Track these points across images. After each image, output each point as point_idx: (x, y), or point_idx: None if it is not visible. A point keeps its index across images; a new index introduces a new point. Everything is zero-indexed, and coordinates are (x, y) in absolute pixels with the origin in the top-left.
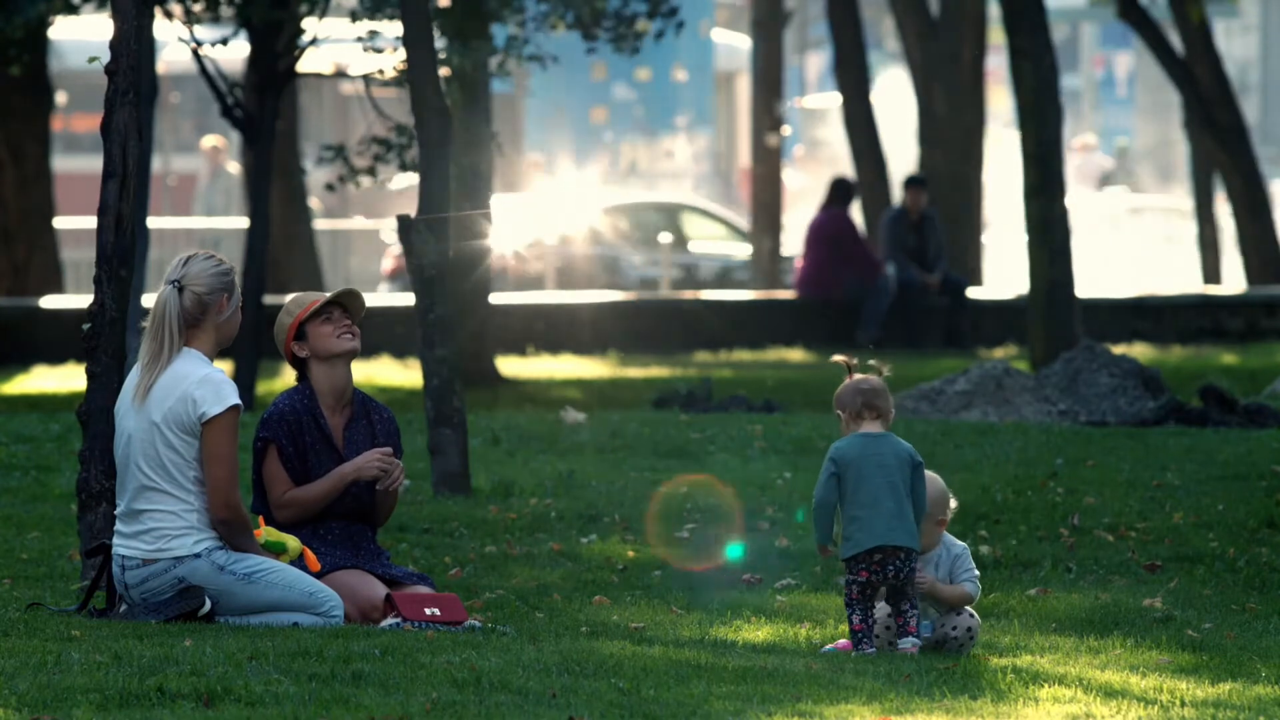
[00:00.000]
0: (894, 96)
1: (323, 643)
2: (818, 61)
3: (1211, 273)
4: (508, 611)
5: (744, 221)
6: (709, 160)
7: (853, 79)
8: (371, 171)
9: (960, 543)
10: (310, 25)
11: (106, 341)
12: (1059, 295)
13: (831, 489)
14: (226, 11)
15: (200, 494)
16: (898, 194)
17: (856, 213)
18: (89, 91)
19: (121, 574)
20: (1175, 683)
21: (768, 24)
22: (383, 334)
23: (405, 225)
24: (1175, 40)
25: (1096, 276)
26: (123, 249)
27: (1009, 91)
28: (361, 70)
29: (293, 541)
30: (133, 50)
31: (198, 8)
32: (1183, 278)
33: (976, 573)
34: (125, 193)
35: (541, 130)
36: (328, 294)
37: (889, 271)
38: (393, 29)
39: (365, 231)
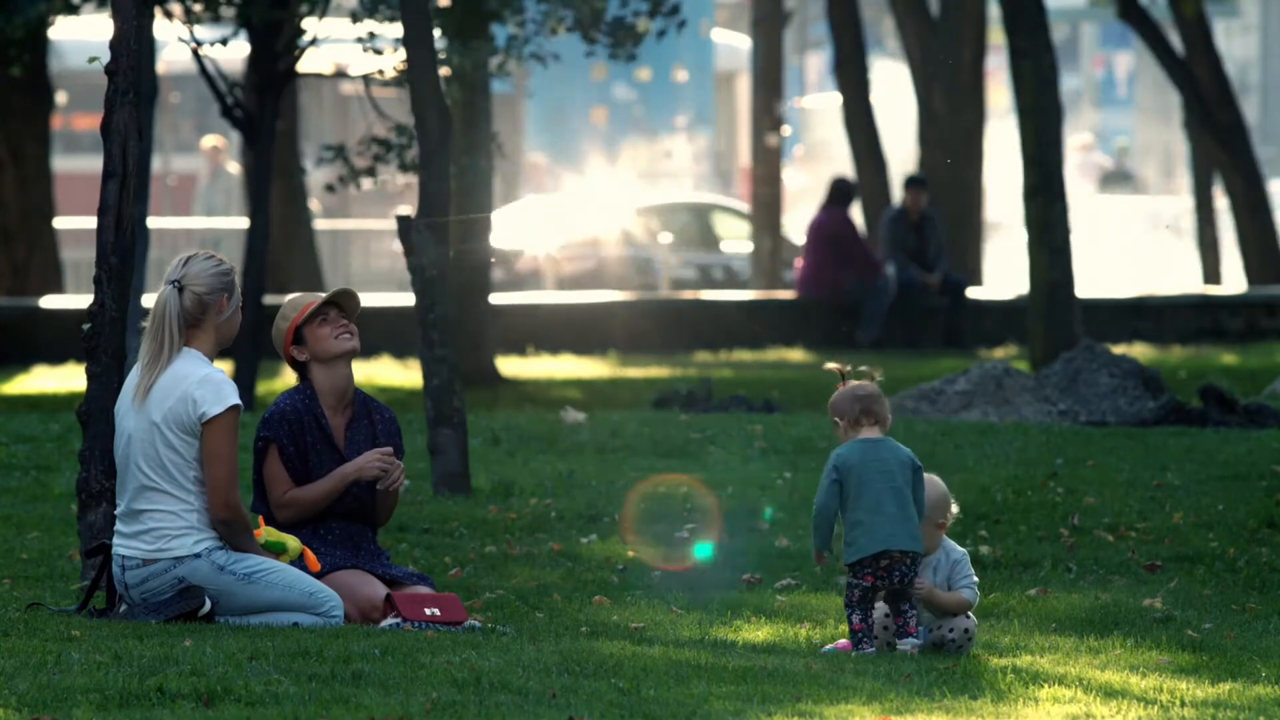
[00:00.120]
0: (892, 92)
1: (323, 643)
2: (818, 61)
3: (1211, 273)
4: (508, 611)
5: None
6: (709, 160)
7: (853, 79)
8: (371, 171)
9: (960, 548)
10: (310, 25)
11: (106, 341)
12: (1059, 295)
13: (834, 495)
14: (226, 11)
15: (200, 494)
16: (898, 194)
17: (856, 213)
18: (89, 91)
19: (121, 574)
20: (1175, 683)
21: (768, 24)
22: (383, 334)
23: (405, 225)
24: (1175, 40)
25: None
26: (123, 249)
27: (1009, 91)
28: (361, 70)
29: (293, 541)
30: (133, 50)
31: (198, 8)
32: (1182, 278)
33: (975, 579)
34: (125, 193)
35: (542, 130)
36: (322, 295)
37: (889, 271)
38: (393, 30)
39: (366, 232)
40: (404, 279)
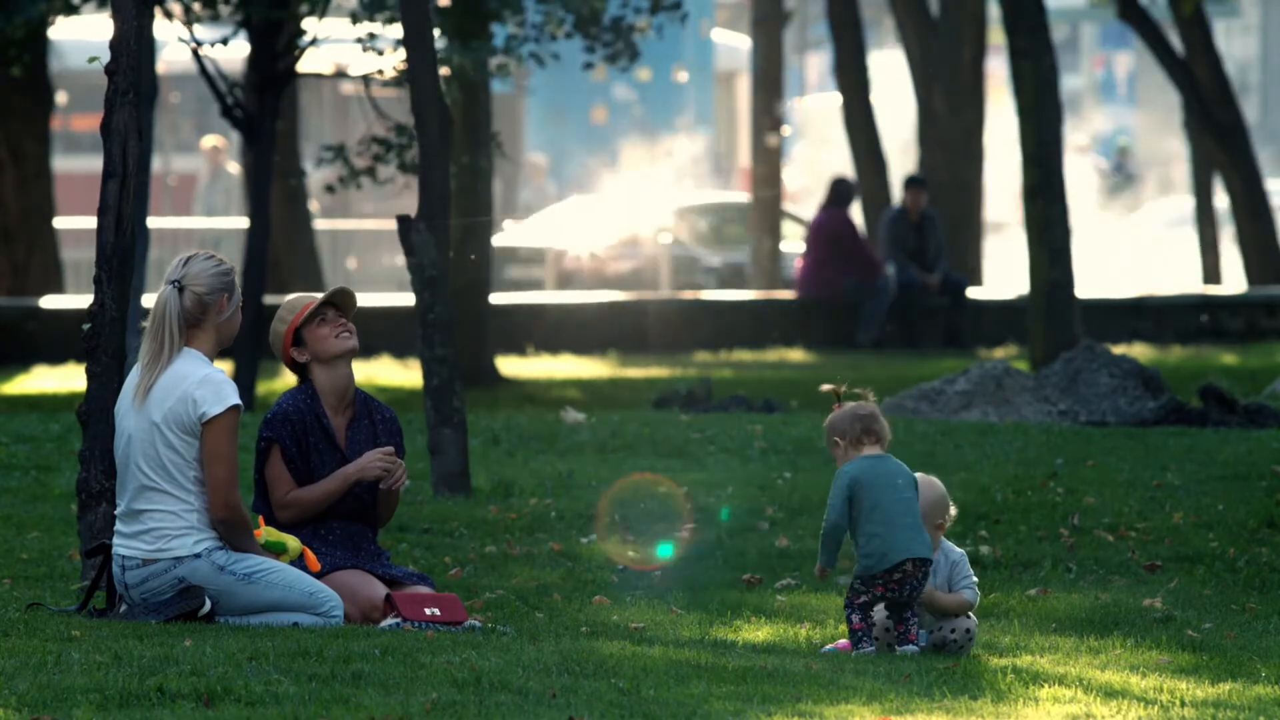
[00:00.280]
0: (889, 77)
1: (323, 643)
2: (818, 61)
3: (1211, 273)
4: (508, 611)
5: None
6: (709, 160)
7: (853, 79)
8: (371, 172)
9: (958, 549)
10: (310, 25)
11: (106, 341)
12: (1059, 295)
13: (845, 513)
14: (226, 11)
15: (200, 494)
16: (898, 194)
17: (856, 213)
18: (89, 91)
19: (121, 574)
20: (1175, 683)
21: (768, 24)
22: (383, 334)
23: (405, 225)
24: (1175, 40)
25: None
26: (123, 249)
27: (1008, 90)
28: (361, 70)
29: (293, 542)
30: (133, 50)
31: (197, 7)
32: (1182, 278)
33: (975, 579)
34: (125, 193)
35: (541, 130)
36: (319, 296)
37: (889, 271)
38: (393, 30)
39: (366, 232)
40: (404, 279)
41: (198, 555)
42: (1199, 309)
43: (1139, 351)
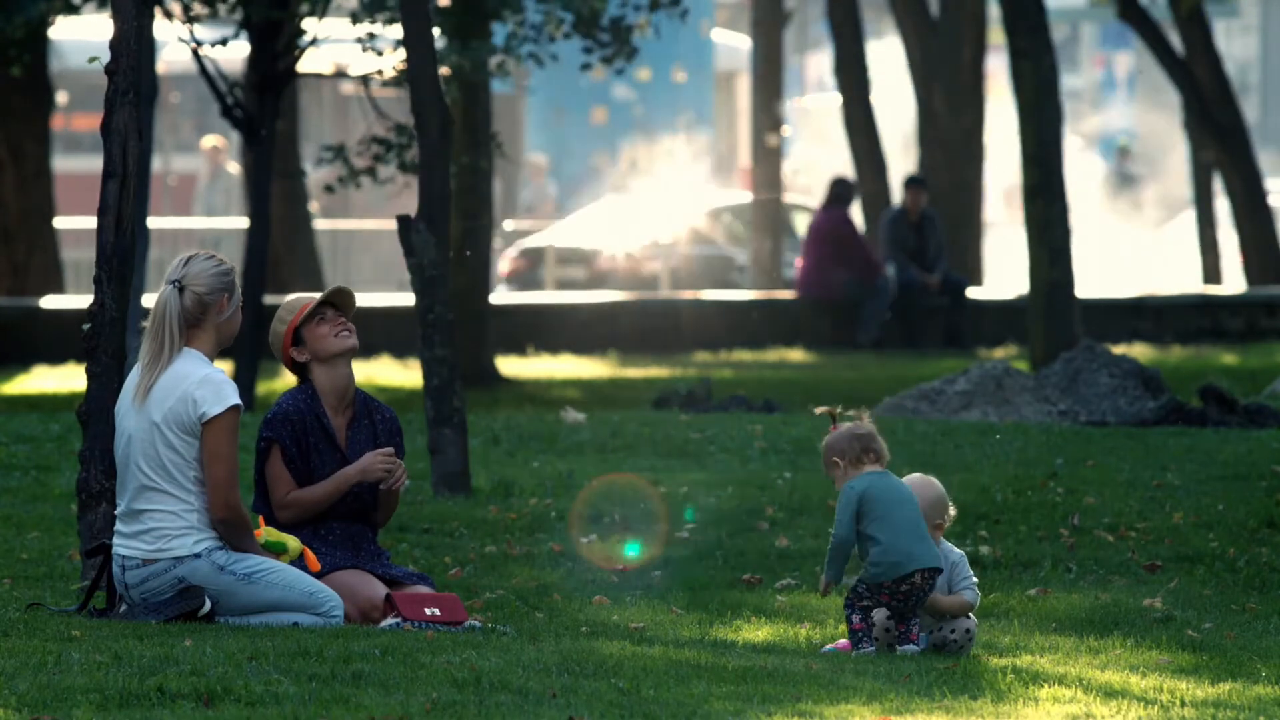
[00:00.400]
0: (887, 67)
1: (323, 643)
2: (818, 61)
3: (1211, 273)
4: (508, 611)
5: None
6: (709, 160)
7: (853, 79)
8: (371, 172)
9: (957, 550)
10: (310, 25)
11: (106, 341)
12: (1059, 295)
13: (854, 527)
14: (225, 10)
15: (200, 494)
16: (898, 194)
17: (856, 213)
18: (89, 91)
19: (121, 574)
20: (1175, 683)
21: (768, 24)
22: (383, 334)
23: (405, 225)
24: (1175, 40)
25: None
26: (123, 249)
27: (1008, 87)
28: (361, 70)
29: (293, 542)
30: (133, 50)
31: (197, 7)
32: (1182, 278)
33: (975, 580)
34: (125, 193)
35: (541, 130)
36: (318, 295)
37: (889, 271)
38: (393, 30)
39: (366, 232)
40: (404, 279)
41: (198, 555)
42: (1199, 309)
43: (1139, 351)
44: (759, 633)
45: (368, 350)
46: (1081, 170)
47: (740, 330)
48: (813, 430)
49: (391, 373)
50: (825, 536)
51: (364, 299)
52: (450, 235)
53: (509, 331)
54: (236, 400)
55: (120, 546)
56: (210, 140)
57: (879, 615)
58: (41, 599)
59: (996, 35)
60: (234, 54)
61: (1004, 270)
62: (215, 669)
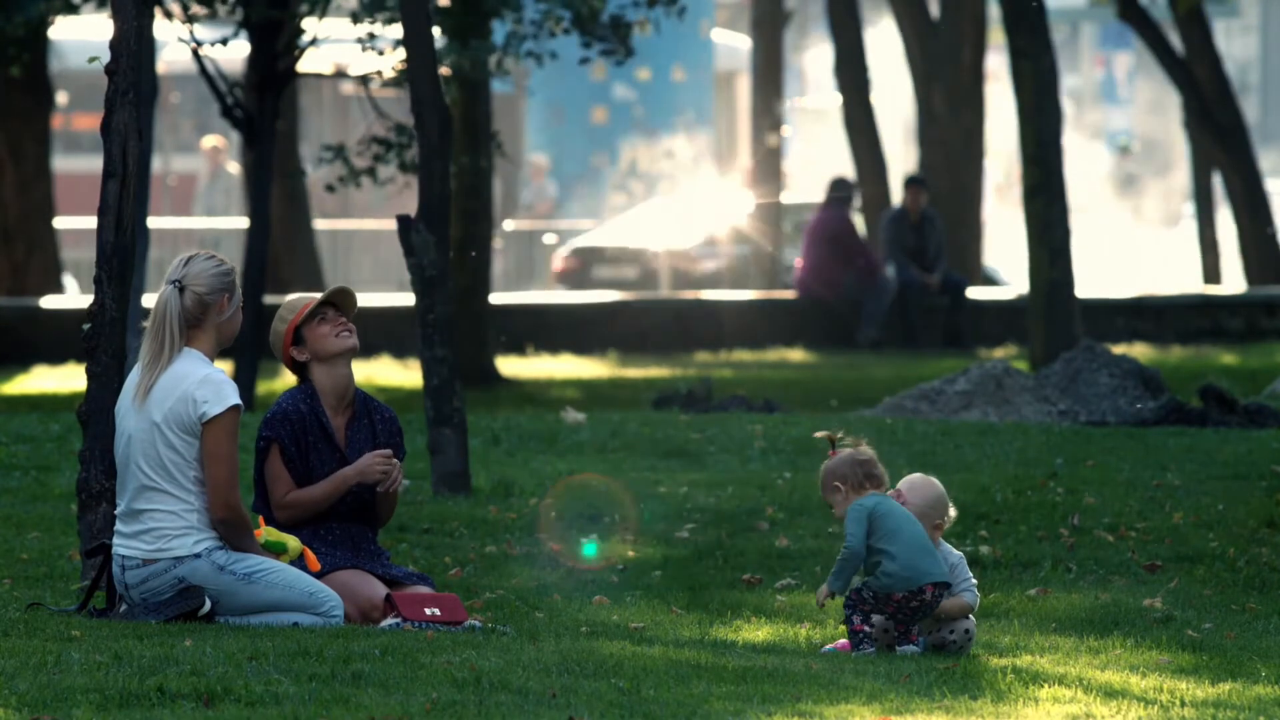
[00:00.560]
0: (884, 55)
1: (323, 643)
2: (818, 61)
3: (1211, 273)
4: (508, 611)
5: None
6: (709, 160)
7: (853, 79)
8: (371, 172)
9: (956, 551)
10: (310, 25)
11: (106, 341)
12: (1059, 295)
13: (865, 541)
14: (224, 10)
15: (200, 494)
16: (898, 194)
17: (856, 213)
18: (89, 91)
19: (121, 574)
20: (1175, 683)
21: (768, 24)
22: (383, 334)
23: (405, 225)
24: (1175, 40)
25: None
26: (123, 249)
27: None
28: (361, 70)
29: (293, 542)
30: (133, 50)
31: (197, 8)
32: (1182, 278)
33: (974, 581)
34: (125, 193)
35: (541, 130)
36: (319, 295)
37: (889, 271)
38: (392, 30)
39: (366, 232)
40: (404, 279)
41: (198, 555)
42: (1199, 309)
43: (1139, 351)
44: (759, 633)
45: (368, 350)
46: (1088, 162)
47: (740, 330)
48: (812, 430)
49: (391, 373)
50: (825, 536)
51: (364, 299)
52: (450, 235)
53: (509, 331)
54: (237, 400)
55: (120, 546)
56: (210, 140)
57: (878, 617)
58: (41, 599)
59: (996, 35)
60: (234, 54)
61: (1003, 268)
62: (215, 669)
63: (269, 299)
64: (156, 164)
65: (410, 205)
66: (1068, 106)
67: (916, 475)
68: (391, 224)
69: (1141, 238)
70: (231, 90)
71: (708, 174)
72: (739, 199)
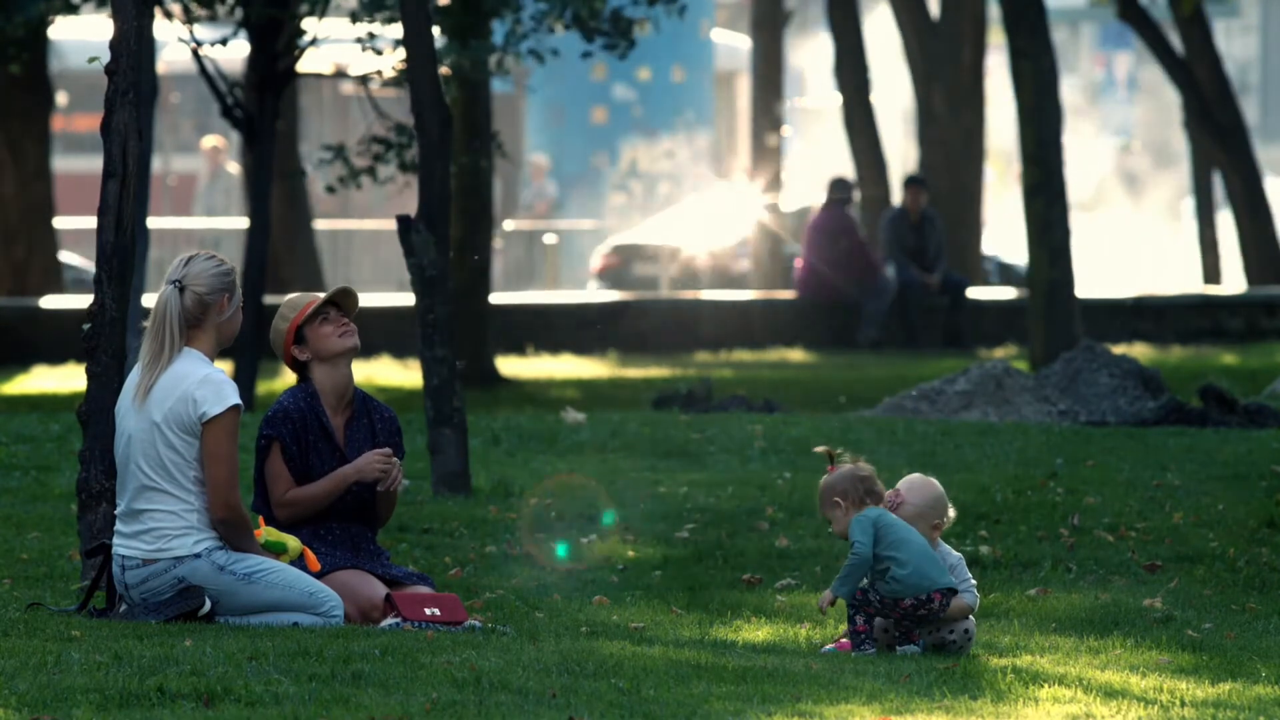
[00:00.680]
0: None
1: (323, 643)
2: (818, 61)
3: (1211, 273)
4: (508, 611)
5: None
6: (709, 160)
7: (853, 79)
8: (372, 171)
9: (955, 552)
10: (310, 25)
11: (106, 341)
12: (1059, 295)
13: (873, 548)
14: (224, 11)
15: (200, 494)
16: (898, 194)
17: (856, 213)
18: (89, 91)
19: (121, 574)
20: (1175, 683)
21: (768, 24)
22: (383, 334)
23: (405, 225)
24: (1175, 40)
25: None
26: (123, 249)
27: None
28: (361, 70)
29: (293, 541)
30: (133, 50)
31: (197, 8)
32: (1182, 278)
33: (974, 582)
34: (125, 193)
35: (541, 130)
36: (321, 295)
37: (889, 271)
38: (392, 30)
39: (366, 232)
40: (404, 279)
41: (198, 555)
42: (1199, 309)
43: (1139, 351)
44: (759, 633)
45: (368, 350)
46: (1091, 156)
47: (740, 330)
48: (812, 430)
49: (391, 373)
50: (825, 537)
51: (364, 299)
52: (450, 235)
53: (509, 331)
54: (237, 400)
55: (120, 546)
56: (210, 140)
57: (880, 619)
58: (41, 599)
59: (996, 35)
60: (234, 54)
61: (1002, 252)
62: (215, 669)
63: (269, 299)
64: (156, 164)
65: (410, 205)
66: (1073, 102)
67: (916, 475)
68: (391, 224)
69: (1144, 231)
70: (231, 90)
71: (739, 175)
72: (776, 199)
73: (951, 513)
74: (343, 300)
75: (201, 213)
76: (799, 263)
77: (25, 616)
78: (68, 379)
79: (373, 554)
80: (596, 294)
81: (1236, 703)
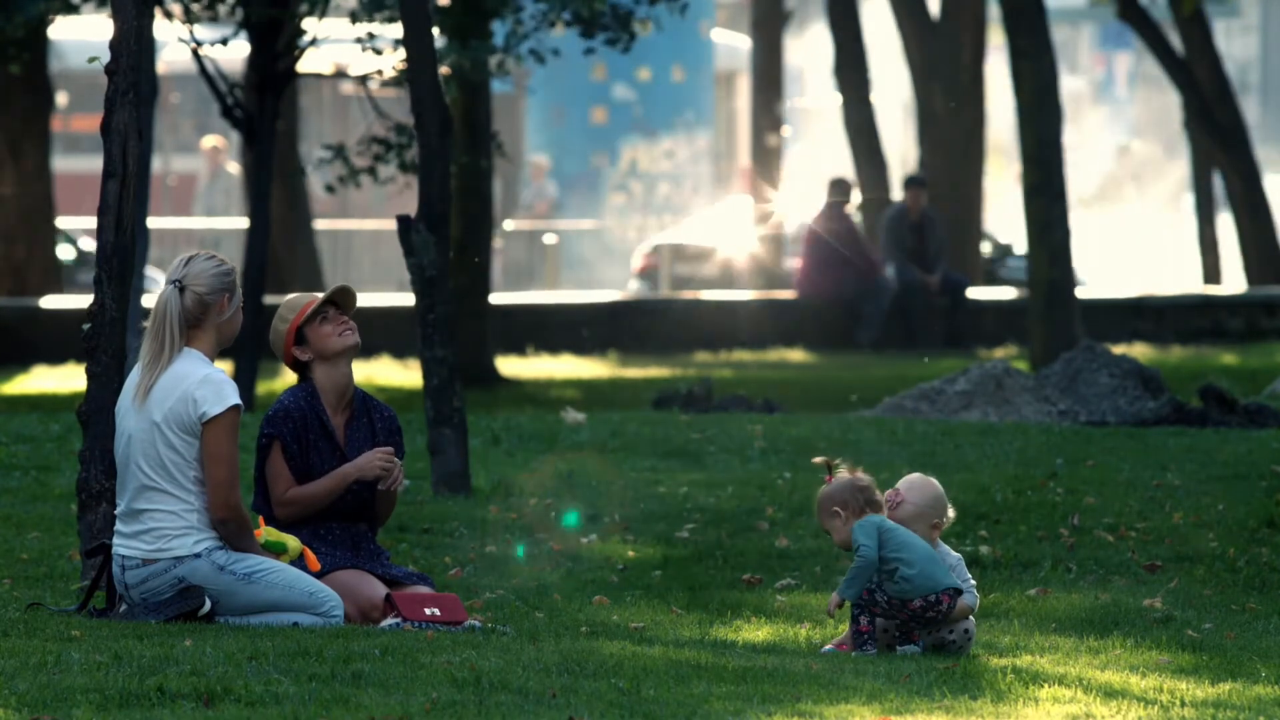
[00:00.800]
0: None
1: (323, 643)
2: (818, 61)
3: (1211, 273)
4: (508, 611)
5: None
6: (709, 160)
7: (853, 79)
8: (372, 171)
9: (955, 552)
10: (310, 25)
11: (106, 341)
12: (1059, 295)
13: (878, 551)
14: (224, 11)
15: (201, 494)
16: (898, 194)
17: (856, 213)
18: (89, 91)
19: (121, 574)
20: (1175, 683)
21: (768, 24)
22: (383, 334)
23: (405, 225)
24: (1175, 40)
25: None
26: (123, 249)
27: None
28: (361, 70)
29: (293, 541)
30: (133, 50)
31: (197, 8)
32: (1182, 278)
33: (974, 582)
34: (125, 193)
35: (541, 130)
36: (320, 295)
37: (888, 271)
38: (392, 30)
39: (366, 232)
40: (404, 279)
41: (198, 555)
42: (1199, 309)
43: (1139, 351)
44: (759, 633)
45: (368, 350)
46: (1092, 154)
47: (740, 330)
48: (812, 430)
49: (391, 373)
50: (825, 537)
51: (364, 299)
52: (450, 235)
53: (509, 331)
54: (237, 400)
55: (120, 546)
56: (210, 140)
57: (882, 620)
58: (41, 599)
59: (996, 35)
60: (234, 54)
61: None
62: (215, 669)
63: (269, 299)
64: (156, 164)
65: (410, 205)
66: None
67: (915, 475)
68: (391, 224)
69: (1146, 224)
70: (231, 90)
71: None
72: (817, 198)
73: (951, 512)
74: (341, 299)
75: (201, 213)
76: (799, 263)
77: (25, 616)
78: (68, 379)
79: (373, 554)
80: (597, 294)
81: (1236, 703)
